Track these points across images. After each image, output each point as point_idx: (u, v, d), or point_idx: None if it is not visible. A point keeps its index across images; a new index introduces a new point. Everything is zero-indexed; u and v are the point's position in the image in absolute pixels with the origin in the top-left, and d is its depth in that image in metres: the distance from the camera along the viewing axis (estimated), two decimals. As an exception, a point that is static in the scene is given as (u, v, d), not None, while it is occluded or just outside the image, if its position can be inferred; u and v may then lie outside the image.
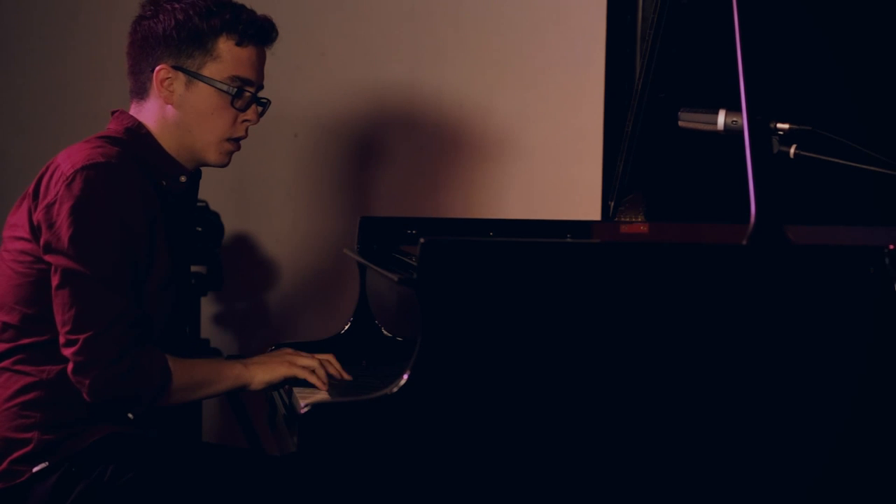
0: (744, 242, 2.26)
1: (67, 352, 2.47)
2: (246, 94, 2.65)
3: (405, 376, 2.21)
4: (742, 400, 2.26)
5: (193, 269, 3.64)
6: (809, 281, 2.28)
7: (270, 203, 4.00)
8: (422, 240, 2.23)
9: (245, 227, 3.99)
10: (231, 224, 3.84)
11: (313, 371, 2.58)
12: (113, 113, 2.69)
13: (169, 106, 2.64)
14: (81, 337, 2.44)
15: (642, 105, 3.02)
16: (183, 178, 2.67)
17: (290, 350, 2.66)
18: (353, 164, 3.98)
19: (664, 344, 2.25)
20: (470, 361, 2.21)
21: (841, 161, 2.52)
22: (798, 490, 2.29)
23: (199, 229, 3.61)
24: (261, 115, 2.70)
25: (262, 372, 2.58)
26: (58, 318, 2.48)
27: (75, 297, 2.46)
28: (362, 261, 2.90)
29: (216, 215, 3.70)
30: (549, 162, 3.91)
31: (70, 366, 2.47)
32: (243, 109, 2.66)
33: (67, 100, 3.96)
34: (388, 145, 3.97)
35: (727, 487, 2.27)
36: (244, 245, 3.99)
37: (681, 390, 2.25)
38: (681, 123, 2.63)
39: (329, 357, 2.65)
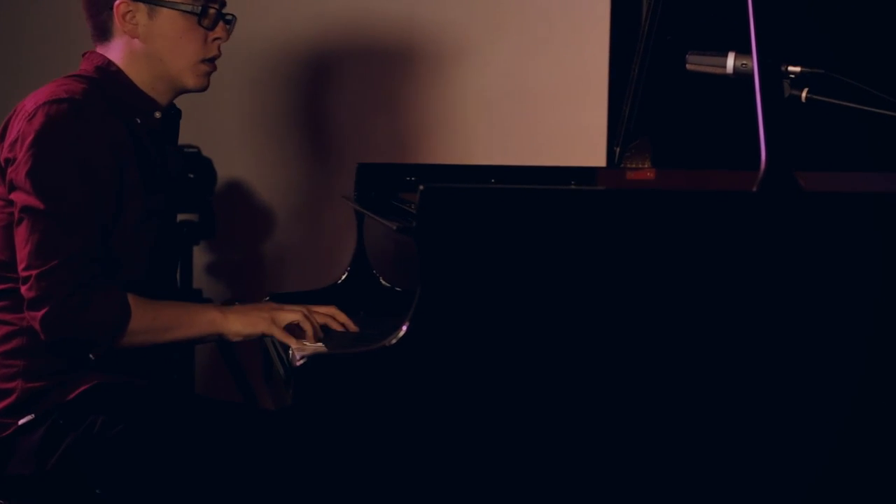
0: (754, 189, 2.24)
1: (23, 289, 2.44)
2: (211, 11, 2.63)
3: (404, 328, 2.19)
4: (750, 349, 2.24)
5: (186, 217, 3.63)
6: (821, 228, 2.27)
7: (264, 149, 3.98)
8: (421, 187, 2.21)
9: (238, 174, 3.96)
10: (224, 171, 3.81)
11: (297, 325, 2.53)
12: (84, 55, 2.67)
13: (135, 40, 2.61)
14: (34, 273, 2.42)
15: (649, 48, 3.02)
16: (157, 115, 2.65)
17: (274, 305, 2.60)
18: (350, 108, 3.96)
19: (671, 292, 2.23)
20: (470, 312, 2.20)
21: (854, 105, 2.51)
22: (814, 450, 2.28)
23: (192, 176, 3.60)
24: (229, 32, 2.67)
25: (240, 324, 2.53)
26: (18, 257, 2.46)
27: (31, 233, 2.44)
28: (360, 209, 2.90)
29: (208, 161, 3.68)
30: (553, 106, 3.88)
31: (25, 303, 2.44)
32: (211, 27, 2.63)
33: (37, 42, 3.91)
34: (387, 89, 3.96)
35: (739, 439, 2.26)
36: (238, 192, 3.97)
37: (687, 337, 2.24)
38: (689, 66, 2.62)
39: (332, 309, 2.61)
